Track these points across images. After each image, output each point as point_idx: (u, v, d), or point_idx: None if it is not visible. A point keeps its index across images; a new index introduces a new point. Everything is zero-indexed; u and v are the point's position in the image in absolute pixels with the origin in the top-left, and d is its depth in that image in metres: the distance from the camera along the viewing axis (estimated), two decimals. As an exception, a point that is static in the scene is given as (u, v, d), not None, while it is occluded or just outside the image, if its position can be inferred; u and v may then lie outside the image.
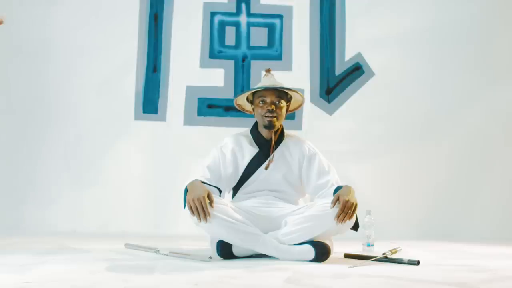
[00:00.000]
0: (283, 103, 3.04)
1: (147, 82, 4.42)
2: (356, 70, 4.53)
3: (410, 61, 4.56)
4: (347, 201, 2.71)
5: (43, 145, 4.35)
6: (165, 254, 2.89)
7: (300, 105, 3.23)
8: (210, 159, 3.05)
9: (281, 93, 3.04)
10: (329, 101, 4.52)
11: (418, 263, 2.72)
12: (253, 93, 3.09)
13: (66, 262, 2.65)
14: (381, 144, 4.50)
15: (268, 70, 3.15)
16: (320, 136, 4.26)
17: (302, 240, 2.76)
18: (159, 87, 4.44)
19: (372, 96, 4.52)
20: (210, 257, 2.71)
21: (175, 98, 4.45)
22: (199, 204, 2.69)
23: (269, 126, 3.02)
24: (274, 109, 3.00)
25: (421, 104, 4.54)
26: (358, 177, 4.22)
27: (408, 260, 2.74)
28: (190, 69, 4.48)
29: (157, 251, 2.96)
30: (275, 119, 3.00)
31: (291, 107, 3.19)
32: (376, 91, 4.52)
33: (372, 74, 4.53)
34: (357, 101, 4.53)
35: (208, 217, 2.69)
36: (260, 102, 3.02)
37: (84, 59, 4.40)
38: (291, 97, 3.13)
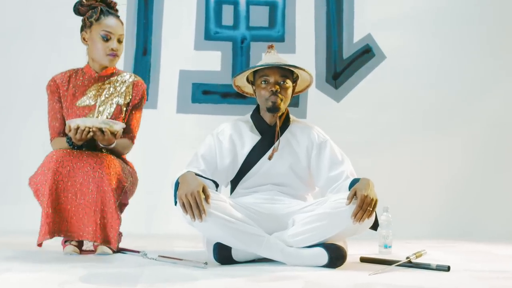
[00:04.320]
0: (289, 83, 2.71)
1: (136, 66, 4.16)
2: (366, 53, 4.27)
3: (424, 43, 4.29)
4: (366, 197, 2.38)
5: (22, 135, 4.07)
6: (153, 259, 2.55)
7: (308, 86, 2.89)
8: (204, 148, 2.73)
9: (286, 72, 2.71)
10: (336, 87, 4.27)
11: (448, 269, 2.38)
12: (254, 73, 2.76)
13: (34, 269, 2.26)
14: (393, 134, 4.24)
15: (271, 47, 2.82)
16: (326, 125, 3.85)
17: (313, 242, 2.44)
18: (149, 71, 4.18)
19: (383, 81, 4.26)
20: (205, 263, 2.38)
21: (167, 83, 4.19)
22: (193, 200, 2.36)
23: (273, 108, 2.68)
24: (279, 90, 2.67)
25: (436, 90, 4.28)
26: (368, 170, 3.88)
27: (437, 266, 2.40)
28: (184, 51, 4.21)
29: (144, 254, 2.63)
30: (279, 100, 2.67)
31: (297, 89, 2.86)
32: (388, 76, 4.26)
33: (383, 57, 4.27)
34: (366, 87, 4.26)
35: (203, 215, 2.37)
36: (263, 82, 2.69)
37: (68, 40, 4.06)
38: (297, 77, 2.79)
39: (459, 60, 4.28)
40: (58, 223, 2.58)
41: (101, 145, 2.71)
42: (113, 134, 2.63)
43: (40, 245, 2.59)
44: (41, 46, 4.11)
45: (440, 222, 4.13)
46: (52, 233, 2.56)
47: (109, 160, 2.64)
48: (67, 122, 2.62)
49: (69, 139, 2.68)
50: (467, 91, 4.27)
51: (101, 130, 2.58)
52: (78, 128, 2.56)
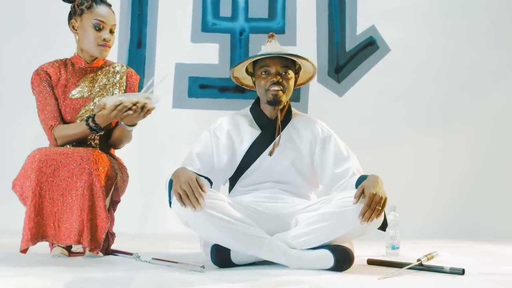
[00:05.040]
0: (291, 74, 2.58)
1: (130, 59, 4.08)
2: (370, 46, 4.19)
3: (430, 36, 4.20)
4: (375, 195, 2.24)
5: (13, 133, 3.99)
6: (146, 262, 2.42)
7: (311, 78, 2.76)
8: (200, 145, 2.60)
9: (288, 62, 2.58)
10: (338, 81, 4.17)
11: (463, 272, 2.24)
12: (254, 64, 2.63)
13: (17, 274, 2.12)
14: (397, 130, 4.15)
15: (271, 36, 2.68)
16: (328, 120, 3.78)
17: (318, 244, 2.31)
18: (144, 64, 4.10)
19: (388, 75, 4.17)
20: (202, 266, 2.24)
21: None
22: (188, 187, 2.24)
23: (274, 101, 2.55)
24: (280, 80, 2.53)
25: (442, 85, 4.19)
26: (370, 167, 3.78)
27: (451, 269, 2.26)
28: (180, 44, 4.13)
29: (137, 257, 2.49)
30: (281, 92, 2.54)
31: (299, 81, 2.72)
32: (392, 69, 4.17)
33: (387, 50, 4.18)
34: (370, 80, 4.18)
35: (202, 201, 2.24)
36: (263, 73, 2.56)
37: (60, 34, 3.92)
38: (299, 68, 2.66)
39: (468, 53, 4.20)
40: (43, 227, 2.39)
41: (122, 124, 2.55)
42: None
43: (23, 251, 2.41)
44: (32, 41, 4.02)
45: (444, 221, 4.03)
46: (35, 239, 2.37)
47: (96, 155, 2.47)
48: (102, 100, 2.46)
49: (92, 121, 2.51)
50: (473, 86, 4.19)
51: (142, 106, 2.45)
52: (119, 104, 2.41)
